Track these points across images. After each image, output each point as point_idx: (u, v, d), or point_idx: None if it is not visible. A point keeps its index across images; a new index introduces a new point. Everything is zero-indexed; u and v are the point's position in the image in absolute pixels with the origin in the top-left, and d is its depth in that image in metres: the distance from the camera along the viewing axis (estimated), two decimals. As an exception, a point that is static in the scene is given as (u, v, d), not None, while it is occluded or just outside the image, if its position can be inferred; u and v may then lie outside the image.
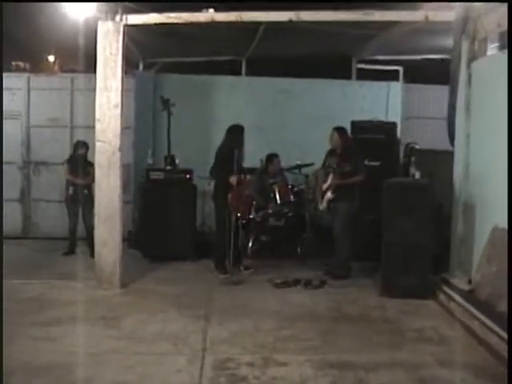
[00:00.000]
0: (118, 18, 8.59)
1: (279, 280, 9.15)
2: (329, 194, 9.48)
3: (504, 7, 7.61)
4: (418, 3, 8.83)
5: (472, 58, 8.74)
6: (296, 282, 9.13)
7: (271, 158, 11.02)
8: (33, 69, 12.98)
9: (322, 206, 9.63)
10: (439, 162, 9.76)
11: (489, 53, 8.71)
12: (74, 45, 10.05)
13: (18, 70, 12.82)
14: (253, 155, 10.24)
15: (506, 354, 6.01)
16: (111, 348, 6.37)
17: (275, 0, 8.48)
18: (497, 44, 8.56)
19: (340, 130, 9.62)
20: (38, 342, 6.45)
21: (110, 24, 8.59)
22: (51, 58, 14.20)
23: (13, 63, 12.77)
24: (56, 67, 14.10)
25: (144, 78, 12.87)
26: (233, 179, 9.34)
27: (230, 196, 9.45)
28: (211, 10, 8.70)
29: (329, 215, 9.73)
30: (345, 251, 9.45)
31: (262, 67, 12.94)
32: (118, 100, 8.65)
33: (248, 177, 10.28)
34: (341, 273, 9.43)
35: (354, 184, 9.45)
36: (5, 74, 12.27)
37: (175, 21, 8.65)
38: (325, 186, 9.59)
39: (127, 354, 6.23)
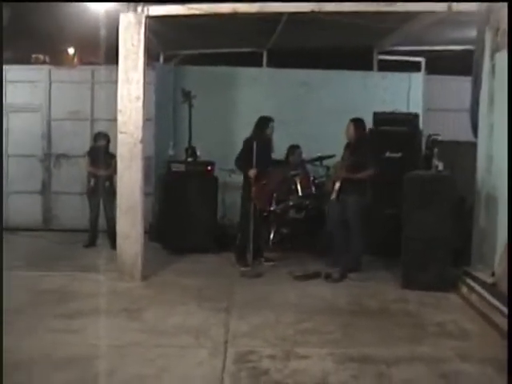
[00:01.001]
0: (139, 9, 8.58)
1: (299, 273, 9.14)
2: (337, 185, 9.42)
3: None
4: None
5: (496, 49, 8.64)
6: (316, 275, 9.10)
7: (292, 149, 11.00)
8: (53, 61, 13.02)
9: (332, 196, 9.56)
10: (462, 153, 9.68)
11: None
12: (94, 37, 10.09)
13: (38, 62, 12.87)
14: (275, 147, 10.19)
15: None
16: (133, 340, 6.37)
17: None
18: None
19: (357, 121, 9.56)
20: (59, 334, 6.46)
21: (131, 16, 8.58)
22: (71, 51, 14.28)
23: (33, 56, 12.82)
24: (76, 60, 14.17)
25: (164, 71, 12.84)
26: (251, 172, 9.36)
27: (253, 188, 9.44)
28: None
29: (337, 206, 9.61)
30: (359, 245, 9.41)
31: (283, 59, 12.88)
32: (140, 92, 8.66)
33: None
34: (352, 266, 9.37)
35: (363, 178, 9.35)
36: (25, 67, 12.44)
37: (197, 12, 8.64)
38: (335, 176, 9.57)
39: (149, 346, 6.23)
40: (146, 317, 7.19)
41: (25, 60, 12.63)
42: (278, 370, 5.66)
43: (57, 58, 13.45)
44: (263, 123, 9.73)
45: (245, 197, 9.61)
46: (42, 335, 6.38)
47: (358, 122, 9.54)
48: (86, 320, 6.93)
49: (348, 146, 9.60)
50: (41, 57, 13.20)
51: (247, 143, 9.51)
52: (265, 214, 10.29)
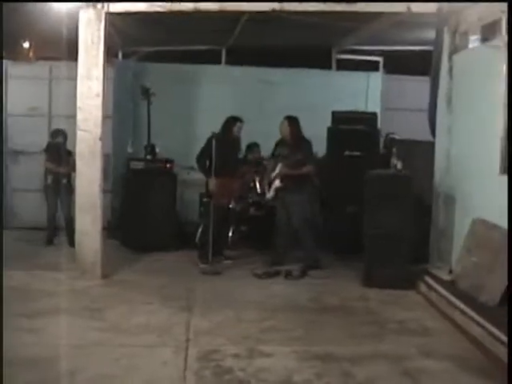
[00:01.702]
0: (99, 5, 8.51)
1: (260, 270, 9.18)
2: (277, 183, 9.45)
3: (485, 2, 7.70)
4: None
5: (454, 50, 8.80)
6: (277, 273, 9.15)
7: (251, 147, 11.04)
8: (9, 55, 12.80)
9: (270, 194, 9.61)
10: (419, 152, 9.78)
11: (470, 46, 8.74)
12: (52, 32, 9.94)
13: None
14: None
15: (488, 344, 6.15)
16: (96, 340, 6.32)
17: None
18: (478, 37, 8.58)
19: (291, 118, 9.58)
20: (22, 334, 6.36)
21: (91, 12, 8.51)
22: (26, 45, 14.04)
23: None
24: (31, 54, 13.94)
25: (124, 67, 12.77)
26: (212, 182, 9.45)
27: (211, 185, 9.45)
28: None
29: (275, 204, 9.73)
30: (310, 243, 9.49)
31: (242, 57, 12.88)
32: (100, 89, 8.60)
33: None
34: (313, 264, 9.43)
35: (304, 175, 9.43)
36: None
37: (159, 10, 8.59)
38: (273, 174, 9.54)
39: (112, 346, 6.19)
40: (109, 316, 7.13)
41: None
42: (242, 369, 5.66)
43: (13, 52, 13.20)
44: (230, 122, 9.73)
45: (204, 194, 9.60)
46: (5, 335, 6.26)
47: (292, 119, 9.58)
48: (48, 319, 6.85)
49: (281, 143, 9.65)
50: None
51: (210, 141, 9.46)
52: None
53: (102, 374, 5.47)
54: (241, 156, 10.61)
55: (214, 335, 6.57)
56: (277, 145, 9.75)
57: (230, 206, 10.27)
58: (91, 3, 8.49)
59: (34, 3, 8.86)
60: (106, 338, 6.40)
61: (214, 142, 9.22)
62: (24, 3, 8.96)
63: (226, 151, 9.37)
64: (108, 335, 6.47)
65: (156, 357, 5.89)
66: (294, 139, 9.48)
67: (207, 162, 9.44)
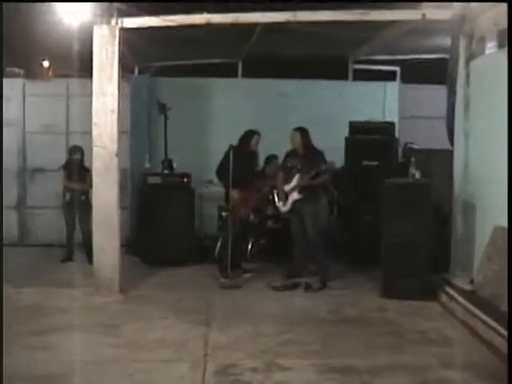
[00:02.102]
0: (113, 21, 8.52)
1: (278, 283, 9.10)
2: (295, 195, 9.37)
3: (501, 5, 7.58)
4: (416, 3, 8.79)
5: (470, 57, 8.71)
6: (295, 285, 9.08)
7: (269, 159, 10.99)
8: (28, 74, 12.88)
9: (286, 207, 9.53)
10: (438, 161, 9.68)
11: (487, 52, 8.65)
12: (68, 50, 9.97)
13: (13, 75, 12.72)
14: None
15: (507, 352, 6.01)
16: (111, 356, 6.28)
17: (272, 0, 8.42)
18: (495, 43, 8.48)
19: (301, 130, 9.52)
20: (35, 351, 6.33)
21: (105, 28, 8.53)
22: (46, 64, 14.12)
23: (7, 69, 12.66)
24: (50, 72, 14.01)
25: (139, 82, 12.79)
26: (233, 194, 9.39)
27: (232, 199, 9.42)
28: (205, 14, 8.61)
29: (291, 216, 9.63)
30: (322, 254, 9.39)
31: (258, 69, 12.86)
32: (115, 105, 8.59)
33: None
34: (326, 276, 9.30)
35: (320, 185, 9.41)
36: (-1, 81, 12.24)
37: (171, 24, 8.59)
38: (289, 186, 9.45)
39: (127, 361, 6.15)
40: (125, 331, 7.09)
41: (-1, 74, 12.50)
42: (260, 382, 5.62)
43: (32, 71, 13.28)
44: (247, 136, 9.69)
45: (224, 208, 9.57)
46: (19, 353, 6.25)
47: (303, 130, 9.52)
48: (64, 336, 6.82)
49: (292, 154, 9.59)
50: (16, 70, 13.05)
51: (228, 154, 9.42)
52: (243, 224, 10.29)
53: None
54: (259, 169, 10.57)
55: (232, 350, 6.51)
56: (287, 156, 9.67)
57: (249, 219, 10.22)
58: (105, 19, 8.50)
59: (47, 17, 8.83)
60: (121, 353, 6.35)
61: (231, 154, 9.17)
62: (37, 18, 8.97)
63: (243, 164, 9.32)
64: (123, 351, 6.42)
65: (172, 372, 5.84)
66: (306, 150, 9.41)
67: (226, 174, 9.40)
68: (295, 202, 9.38)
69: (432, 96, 11.70)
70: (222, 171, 9.55)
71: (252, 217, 10.31)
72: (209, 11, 8.56)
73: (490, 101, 8.12)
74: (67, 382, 5.54)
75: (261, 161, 10.73)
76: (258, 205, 10.45)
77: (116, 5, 8.45)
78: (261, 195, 10.43)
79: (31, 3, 8.59)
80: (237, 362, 6.12)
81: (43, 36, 10.25)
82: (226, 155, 9.42)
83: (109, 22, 8.51)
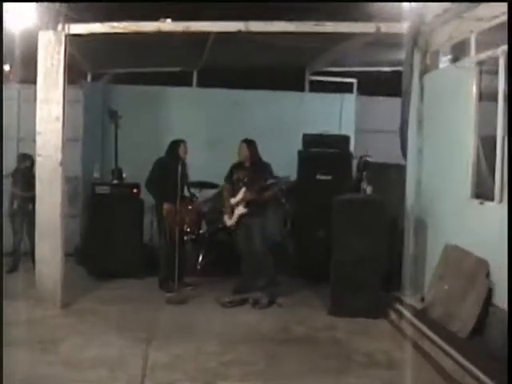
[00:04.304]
0: (59, 27, 8.29)
1: (227, 299, 8.88)
2: (241, 209, 9.21)
3: (455, 20, 7.54)
4: (371, 14, 8.71)
5: (424, 70, 8.64)
6: (244, 301, 8.88)
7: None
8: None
9: (232, 221, 9.36)
10: (392, 175, 9.59)
11: (441, 65, 8.61)
12: (26, 54, 9.73)
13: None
14: (205, 169, 10.03)
15: (457, 376, 5.90)
16: (46, 374, 6.04)
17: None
18: (449, 57, 8.46)
19: (248, 142, 9.39)
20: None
21: (51, 34, 8.29)
22: (6, 67, 13.85)
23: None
24: (11, 76, 13.73)
25: (93, 89, 12.57)
26: (166, 207, 9.26)
27: (165, 211, 9.29)
28: (168, 20, 8.44)
29: (237, 231, 9.46)
30: (272, 268, 9.20)
31: (214, 78, 12.71)
32: (60, 113, 8.36)
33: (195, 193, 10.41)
34: (275, 292, 9.11)
35: (267, 199, 9.26)
36: None
37: (120, 31, 8.39)
38: (235, 200, 9.30)
39: (62, 380, 5.93)
40: (62, 348, 6.85)
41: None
42: (197, 405, 5.42)
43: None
44: (174, 145, 9.58)
45: (160, 220, 9.40)
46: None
47: (250, 142, 9.39)
48: (-1, 352, 6.57)
49: (239, 167, 9.45)
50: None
51: (158, 164, 9.39)
52: (193, 236, 10.09)
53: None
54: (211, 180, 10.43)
55: (171, 369, 6.30)
56: (234, 168, 9.51)
57: (200, 231, 10.04)
58: (51, 25, 8.27)
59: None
60: (55, 372, 6.11)
61: (160, 164, 9.18)
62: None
63: (173, 175, 9.10)
64: (58, 369, 6.18)
65: (105, 393, 5.61)
66: (253, 162, 9.26)
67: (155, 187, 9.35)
68: (241, 216, 9.20)
69: (389, 108, 11.58)
70: (150, 184, 9.46)
71: (204, 228, 10.12)
72: (165, 17, 8.41)
73: (443, 116, 8.05)
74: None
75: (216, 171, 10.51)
76: (199, 218, 10.31)
77: (63, 10, 8.23)
78: (194, 208, 10.29)
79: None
80: (175, 382, 5.93)
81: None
82: (154, 167, 9.36)
83: (55, 28, 8.27)
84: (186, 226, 9.83)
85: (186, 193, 10.02)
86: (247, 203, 9.14)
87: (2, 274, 7.08)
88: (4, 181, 11.42)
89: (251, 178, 9.14)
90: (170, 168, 9.13)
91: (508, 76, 6.84)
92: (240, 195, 9.19)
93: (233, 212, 9.30)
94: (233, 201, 9.29)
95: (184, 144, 9.56)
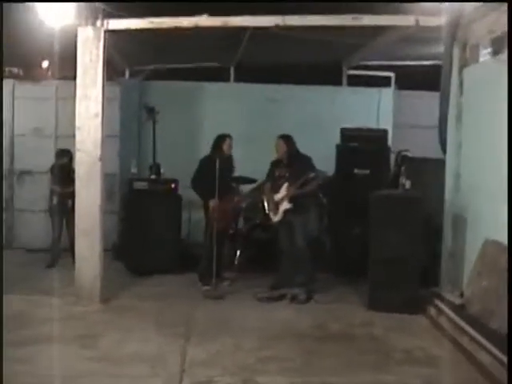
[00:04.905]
0: (98, 23, 8.32)
1: (264, 294, 8.89)
2: (285, 204, 9.12)
3: (495, 12, 7.41)
4: (409, 8, 8.60)
5: (463, 64, 8.50)
6: (281, 296, 8.88)
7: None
8: (27, 75, 12.73)
9: (277, 217, 9.29)
10: (431, 170, 9.47)
11: (481, 59, 8.46)
12: (65, 51, 9.80)
13: (11, 76, 12.60)
14: (242, 165, 10.03)
15: (496, 373, 5.81)
16: (86, 370, 6.08)
17: (262, 0, 8.21)
18: (489, 50, 8.31)
19: (286, 137, 9.32)
20: (12, 363, 6.04)
21: (89, 30, 8.33)
22: (45, 64, 13.99)
23: (6, 69, 12.52)
24: (49, 73, 13.86)
25: (129, 86, 12.62)
26: (212, 203, 9.23)
27: (211, 207, 9.26)
28: (206, 15, 8.43)
29: (277, 227, 9.43)
30: (311, 265, 9.14)
31: (250, 74, 12.70)
32: (99, 109, 8.40)
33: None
34: (313, 288, 9.09)
35: (309, 193, 9.17)
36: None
37: (158, 26, 8.39)
38: (278, 196, 9.23)
39: (102, 376, 5.97)
40: (102, 344, 6.89)
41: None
42: (235, 401, 5.41)
43: (31, 72, 13.14)
44: (219, 140, 9.49)
45: (207, 217, 9.37)
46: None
47: (287, 138, 9.31)
48: (39, 348, 6.61)
49: (278, 163, 9.39)
50: (14, 70, 12.93)
51: (204, 162, 9.33)
52: (230, 232, 10.09)
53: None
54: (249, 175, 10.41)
55: (209, 365, 6.32)
56: (272, 165, 9.47)
57: (237, 227, 10.04)
58: (90, 21, 8.30)
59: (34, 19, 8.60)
60: (96, 367, 6.17)
61: (205, 162, 9.15)
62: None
63: (220, 172, 9.09)
64: (99, 365, 6.23)
65: (145, 389, 5.63)
66: (292, 158, 9.21)
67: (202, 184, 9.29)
68: (286, 211, 9.17)
69: (427, 103, 11.49)
70: (196, 181, 9.42)
71: (238, 225, 10.09)
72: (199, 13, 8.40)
73: (482, 110, 7.93)
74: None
75: (252, 167, 10.53)
76: (238, 214, 10.32)
77: (102, 6, 8.27)
78: (238, 204, 10.29)
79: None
80: (213, 378, 5.93)
81: (41, 37, 10.04)
82: (201, 164, 9.33)
83: (93, 24, 8.30)
84: (225, 222, 9.79)
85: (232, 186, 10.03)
86: (290, 199, 9.10)
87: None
88: (42, 177, 11.60)
89: (292, 173, 9.08)
90: (215, 166, 9.03)
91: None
92: (283, 191, 9.16)
93: (277, 208, 9.27)
94: (277, 197, 9.26)
95: (230, 139, 9.50)
